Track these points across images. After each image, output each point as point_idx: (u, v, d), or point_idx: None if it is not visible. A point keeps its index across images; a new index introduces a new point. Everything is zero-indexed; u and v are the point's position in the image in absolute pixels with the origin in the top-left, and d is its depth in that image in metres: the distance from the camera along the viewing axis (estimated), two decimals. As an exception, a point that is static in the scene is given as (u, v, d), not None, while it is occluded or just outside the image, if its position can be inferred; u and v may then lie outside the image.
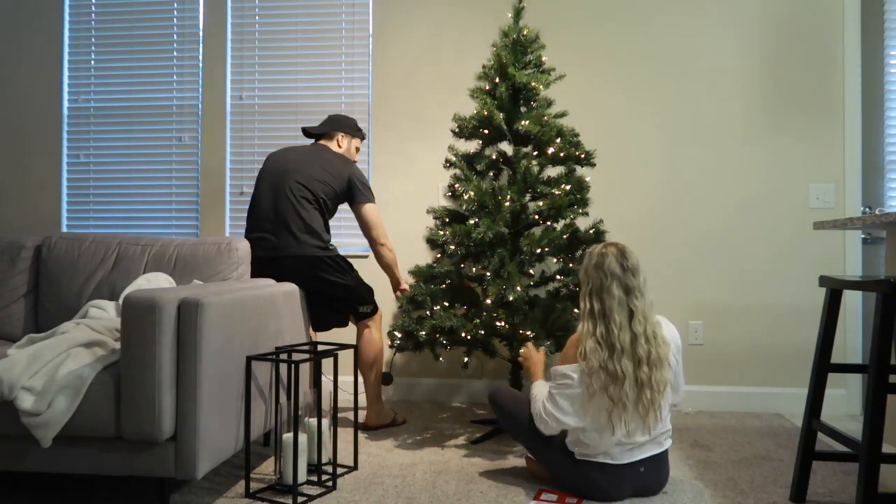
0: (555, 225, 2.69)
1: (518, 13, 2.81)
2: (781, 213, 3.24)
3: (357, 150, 3.01)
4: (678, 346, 2.05)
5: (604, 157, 3.18)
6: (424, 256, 3.29)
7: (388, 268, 2.87)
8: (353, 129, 2.95)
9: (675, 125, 3.30)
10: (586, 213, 2.71)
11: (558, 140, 2.68)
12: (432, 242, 2.84)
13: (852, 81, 3.19)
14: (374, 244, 2.83)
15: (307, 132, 2.94)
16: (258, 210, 2.72)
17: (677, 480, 2.22)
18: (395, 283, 2.92)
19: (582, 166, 2.77)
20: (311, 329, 2.83)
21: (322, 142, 2.92)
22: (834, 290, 2.02)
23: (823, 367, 2.00)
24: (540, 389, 2.13)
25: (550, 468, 2.13)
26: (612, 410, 1.91)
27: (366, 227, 2.81)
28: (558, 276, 2.71)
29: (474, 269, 2.69)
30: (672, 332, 2.04)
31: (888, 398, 2.48)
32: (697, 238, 3.28)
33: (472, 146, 2.92)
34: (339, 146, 2.91)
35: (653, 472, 2.04)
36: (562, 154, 2.71)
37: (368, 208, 2.80)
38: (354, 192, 2.79)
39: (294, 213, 2.65)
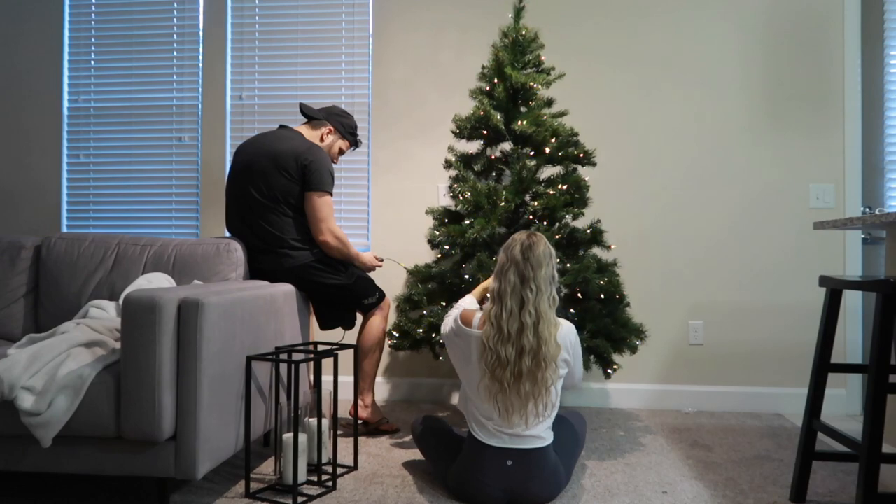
0: (551, 225, 2.68)
1: (518, 13, 2.81)
2: (782, 214, 3.24)
3: (340, 152, 2.82)
4: (572, 345, 2.03)
5: (604, 157, 3.18)
6: (425, 257, 3.29)
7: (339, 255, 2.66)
8: (344, 129, 2.78)
9: (676, 125, 3.30)
10: (582, 214, 2.70)
11: (553, 140, 2.68)
12: (432, 243, 2.84)
13: (852, 81, 3.19)
14: (316, 236, 2.61)
15: (304, 111, 2.74)
16: (232, 228, 2.67)
17: (677, 480, 2.22)
18: (361, 265, 2.72)
19: (583, 165, 2.77)
20: (317, 328, 2.81)
21: (301, 128, 2.72)
22: (834, 290, 2.02)
23: (823, 367, 2.00)
24: (461, 304, 2.20)
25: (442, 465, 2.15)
26: (498, 393, 1.92)
27: (312, 218, 2.59)
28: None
29: (464, 268, 2.69)
30: (568, 336, 2.02)
31: (888, 398, 2.49)
32: (697, 238, 3.28)
33: (474, 147, 2.92)
34: (322, 140, 2.73)
35: (523, 470, 1.95)
36: (560, 154, 2.71)
37: (321, 199, 2.57)
38: (308, 177, 2.56)
39: (268, 233, 2.56)
